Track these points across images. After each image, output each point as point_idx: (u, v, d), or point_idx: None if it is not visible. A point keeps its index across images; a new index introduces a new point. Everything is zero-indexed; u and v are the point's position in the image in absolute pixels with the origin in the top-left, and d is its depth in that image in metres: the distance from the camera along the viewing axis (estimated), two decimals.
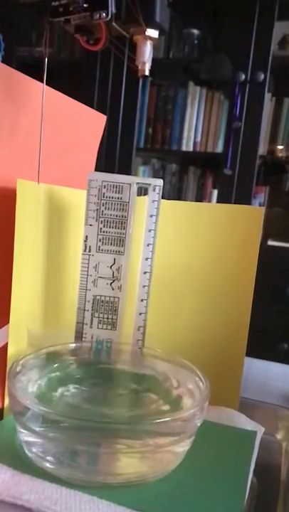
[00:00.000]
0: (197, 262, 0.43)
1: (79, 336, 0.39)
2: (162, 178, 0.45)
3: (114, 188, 0.38)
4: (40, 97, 0.39)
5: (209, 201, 1.46)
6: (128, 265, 0.39)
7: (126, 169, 1.42)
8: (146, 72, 0.37)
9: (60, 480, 0.29)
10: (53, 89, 0.41)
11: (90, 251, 0.38)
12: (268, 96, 1.32)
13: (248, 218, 0.42)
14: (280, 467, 0.37)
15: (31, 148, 0.40)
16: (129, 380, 0.40)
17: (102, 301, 0.39)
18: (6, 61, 0.39)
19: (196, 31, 1.44)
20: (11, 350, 0.38)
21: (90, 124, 0.50)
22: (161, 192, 0.38)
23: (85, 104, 0.47)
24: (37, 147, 0.40)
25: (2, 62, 0.38)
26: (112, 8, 0.33)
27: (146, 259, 0.39)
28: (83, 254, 0.38)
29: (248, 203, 1.31)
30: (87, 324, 0.39)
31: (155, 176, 1.54)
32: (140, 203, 0.38)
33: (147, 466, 0.31)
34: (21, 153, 0.40)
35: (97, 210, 0.38)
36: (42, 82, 0.39)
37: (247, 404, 0.44)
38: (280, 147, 1.40)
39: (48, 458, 0.30)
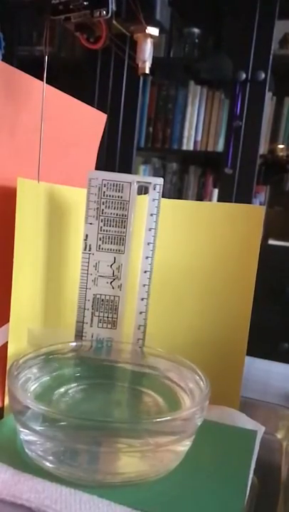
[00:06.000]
0: (197, 261, 0.43)
1: (79, 334, 0.39)
2: (163, 177, 0.45)
3: (115, 186, 0.38)
4: (41, 95, 0.39)
5: (210, 200, 1.46)
6: (128, 264, 0.39)
7: (126, 168, 1.42)
8: (147, 71, 0.37)
9: (60, 479, 0.29)
10: (53, 88, 0.41)
11: (90, 250, 0.38)
12: (268, 95, 1.32)
13: (249, 217, 0.42)
14: (281, 466, 0.37)
15: (31, 146, 0.40)
16: (129, 379, 0.40)
17: (103, 300, 0.39)
18: (7, 60, 0.39)
19: (196, 30, 1.43)
20: (11, 349, 0.38)
21: (90, 122, 0.50)
22: (161, 191, 0.38)
23: (86, 102, 0.47)
24: (37, 146, 0.40)
25: (2, 61, 0.38)
26: (112, 5, 0.33)
27: (147, 258, 0.39)
28: (83, 252, 0.38)
29: (249, 202, 1.31)
30: (87, 323, 0.39)
31: (156, 175, 1.54)
32: (140, 201, 0.38)
33: (147, 466, 0.31)
34: (21, 151, 0.40)
35: (97, 208, 0.38)
36: (42, 80, 0.39)
37: (248, 403, 0.44)
38: (281, 146, 1.40)
39: (48, 457, 0.30)
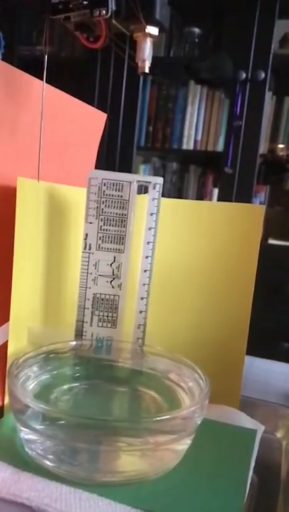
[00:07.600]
0: (197, 261, 0.43)
1: (79, 334, 0.39)
2: (163, 176, 0.45)
3: (115, 186, 0.38)
4: (41, 95, 0.39)
5: (210, 200, 1.46)
6: (128, 263, 0.39)
7: (126, 168, 1.42)
8: (146, 70, 0.37)
9: (60, 478, 0.29)
10: (53, 87, 0.41)
11: (90, 249, 0.38)
12: (268, 94, 1.32)
13: (249, 217, 0.42)
14: (280, 465, 0.37)
15: (31, 146, 0.40)
16: (129, 378, 0.40)
17: (102, 299, 0.39)
18: (7, 60, 0.39)
19: (196, 30, 1.43)
20: (11, 348, 0.38)
21: (90, 122, 0.50)
22: (161, 190, 0.38)
23: (86, 102, 0.47)
24: (37, 145, 0.40)
25: (2, 60, 0.38)
26: (111, 5, 0.33)
27: (147, 257, 0.39)
28: (83, 252, 0.38)
29: (249, 201, 1.31)
30: (87, 322, 0.39)
31: (155, 174, 1.54)
32: (140, 201, 0.38)
33: (147, 464, 0.31)
34: (21, 151, 0.40)
35: (97, 207, 0.38)
36: (42, 80, 0.39)
37: (247, 402, 0.44)
38: (281, 146, 1.40)
39: (48, 456, 0.30)
